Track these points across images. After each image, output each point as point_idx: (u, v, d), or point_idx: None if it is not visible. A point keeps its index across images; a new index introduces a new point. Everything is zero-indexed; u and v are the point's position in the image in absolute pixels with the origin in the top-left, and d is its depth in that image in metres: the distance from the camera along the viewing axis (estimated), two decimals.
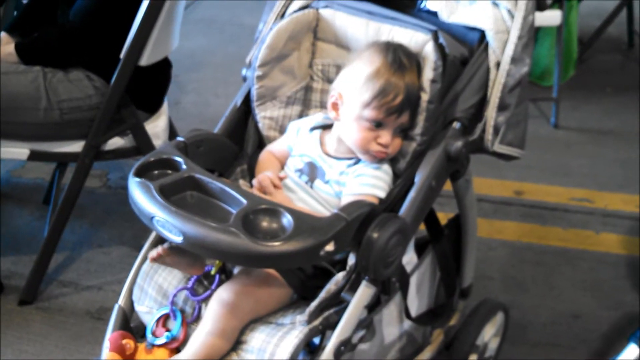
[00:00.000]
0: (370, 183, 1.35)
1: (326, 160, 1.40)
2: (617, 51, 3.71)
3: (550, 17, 2.79)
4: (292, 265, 1.26)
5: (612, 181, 2.68)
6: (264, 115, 1.50)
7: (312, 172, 1.41)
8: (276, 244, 1.12)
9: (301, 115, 1.53)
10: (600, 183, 2.67)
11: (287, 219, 1.16)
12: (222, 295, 1.27)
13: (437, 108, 1.34)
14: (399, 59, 1.34)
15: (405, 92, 1.32)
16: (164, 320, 1.33)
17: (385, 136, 1.35)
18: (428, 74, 1.33)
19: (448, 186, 1.45)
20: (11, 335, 1.97)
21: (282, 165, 1.47)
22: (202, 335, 1.25)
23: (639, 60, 3.63)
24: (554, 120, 3.05)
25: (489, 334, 1.79)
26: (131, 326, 1.41)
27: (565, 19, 2.97)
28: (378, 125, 1.34)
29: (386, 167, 1.38)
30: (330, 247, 1.16)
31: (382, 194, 1.34)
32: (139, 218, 1.23)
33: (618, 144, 2.93)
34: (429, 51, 1.34)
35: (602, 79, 3.43)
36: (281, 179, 1.42)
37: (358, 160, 1.38)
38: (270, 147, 1.50)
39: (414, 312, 1.49)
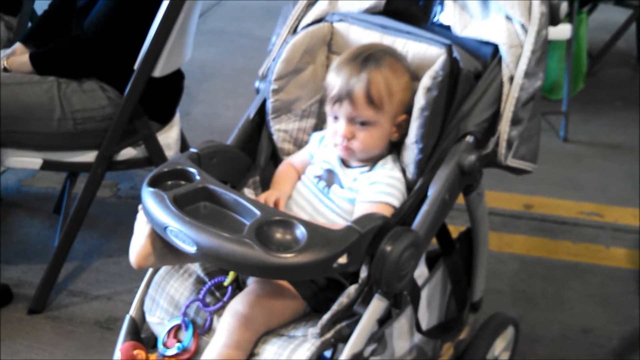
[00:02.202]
0: (385, 191, 1.35)
1: (342, 167, 1.41)
2: (627, 65, 3.71)
3: (560, 31, 2.80)
4: (305, 277, 1.26)
5: (622, 195, 2.67)
6: (278, 128, 1.51)
7: (330, 178, 1.42)
8: (289, 255, 1.13)
9: (315, 128, 1.54)
10: (610, 197, 2.66)
11: (300, 231, 1.16)
12: (236, 307, 1.27)
13: (432, 116, 1.33)
14: (355, 55, 1.37)
15: (347, 81, 1.34)
16: (176, 331, 1.33)
17: (340, 127, 1.37)
18: (425, 81, 1.33)
19: (459, 199, 1.45)
20: (20, 344, 1.97)
21: (301, 176, 1.48)
22: (217, 348, 1.25)
23: None
24: (564, 133, 3.05)
25: (500, 348, 1.79)
26: (142, 337, 1.41)
27: (575, 33, 2.97)
28: (335, 117, 1.38)
29: (399, 176, 1.38)
30: (343, 260, 1.16)
31: (397, 203, 1.34)
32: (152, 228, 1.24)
33: (627, 157, 2.93)
34: (437, 62, 1.34)
35: (612, 93, 3.43)
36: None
37: (372, 167, 1.39)
38: (291, 158, 1.50)
39: (424, 325, 1.49)
